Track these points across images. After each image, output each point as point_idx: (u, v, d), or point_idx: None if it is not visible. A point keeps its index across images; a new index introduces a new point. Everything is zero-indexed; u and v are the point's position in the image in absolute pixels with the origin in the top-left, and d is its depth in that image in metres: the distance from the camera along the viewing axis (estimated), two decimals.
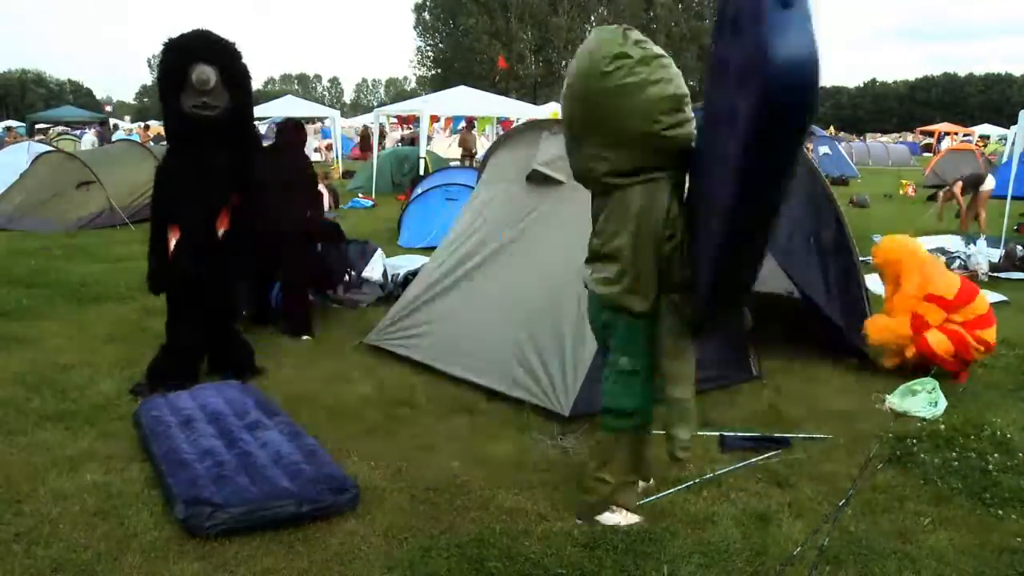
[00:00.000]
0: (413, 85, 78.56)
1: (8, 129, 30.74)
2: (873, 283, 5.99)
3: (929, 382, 4.81)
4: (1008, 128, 24.89)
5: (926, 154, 35.80)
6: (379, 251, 7.66)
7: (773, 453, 4.04)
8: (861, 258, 5.77)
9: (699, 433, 4.26)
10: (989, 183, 12.07)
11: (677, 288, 3.07)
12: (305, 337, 6.03)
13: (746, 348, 5.06)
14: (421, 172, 14.81)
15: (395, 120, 29.82)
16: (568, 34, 59.08)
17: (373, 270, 7.39)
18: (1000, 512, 3.49)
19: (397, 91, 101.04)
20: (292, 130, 6.50)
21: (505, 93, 36.47)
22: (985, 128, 44.14)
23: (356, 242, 7.55)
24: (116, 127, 33.42)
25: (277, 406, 4.28)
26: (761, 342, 5.24)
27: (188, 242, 4.73)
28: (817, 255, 5.41)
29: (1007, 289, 8.15)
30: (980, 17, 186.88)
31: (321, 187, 14.09)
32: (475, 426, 4.37)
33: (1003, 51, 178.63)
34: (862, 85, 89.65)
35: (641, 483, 3.55)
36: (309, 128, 24.38)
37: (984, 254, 9.05)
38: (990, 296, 7.77)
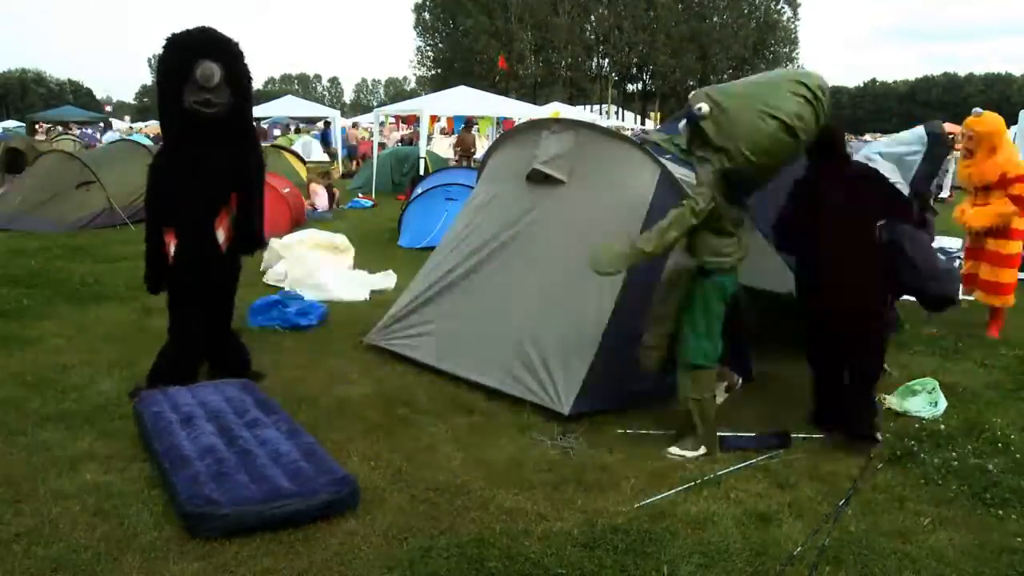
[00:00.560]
0: (413, 85, 78.62)
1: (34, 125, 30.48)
2: None
3: (929, 382, 4.81)
4: (1008, 128, 24.89)
5: None
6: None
7: (773, 453, 4.04)
8: None
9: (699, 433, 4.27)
10: None
11: None
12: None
13: (746, 349, 5.05)
14: (421, 172, 14.81)
15: (393, 120, 29.84)
16: (568, 34, 59.07)
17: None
18: (1000, 512, 3.50)
19: (397, 91, 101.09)
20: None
21: (505, 93, 36.48)
22: None
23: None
24: (109, 125, 33.32)
25: (276, 404, 4.27)
26: (761, 342, 5.24)
27: (187, 244, 4.67)
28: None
29: None
30: (979, 17, 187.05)
31: (320, 187, 14.19)
32: (475, 426, 4.37)
33: (1002, 51, 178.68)
34: (862, 85, 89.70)
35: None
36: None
37: None
38: None
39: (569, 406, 4.32)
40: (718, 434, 4.14)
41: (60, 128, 28.12)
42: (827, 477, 3.82)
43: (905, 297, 7.61)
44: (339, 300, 7.23)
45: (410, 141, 23.73)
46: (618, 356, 4.47)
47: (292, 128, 32.34)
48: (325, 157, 23.74)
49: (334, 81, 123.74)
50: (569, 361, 4.47)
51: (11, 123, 39.32)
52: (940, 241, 10.44)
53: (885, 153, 5.59)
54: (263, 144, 19.94)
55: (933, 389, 4.75)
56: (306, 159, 20.58)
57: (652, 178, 4.86)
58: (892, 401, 4.74)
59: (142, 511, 3.36)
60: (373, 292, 7.69)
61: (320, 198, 13.85)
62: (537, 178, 5.12)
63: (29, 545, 3.09)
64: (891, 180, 4.75)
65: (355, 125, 32.52)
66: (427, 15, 64.27)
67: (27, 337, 5.92)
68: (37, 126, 27.56)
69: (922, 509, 3.51)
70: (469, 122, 19.79)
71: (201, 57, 4.50)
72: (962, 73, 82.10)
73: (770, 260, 5.38)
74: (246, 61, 4.78)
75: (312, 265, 7.90)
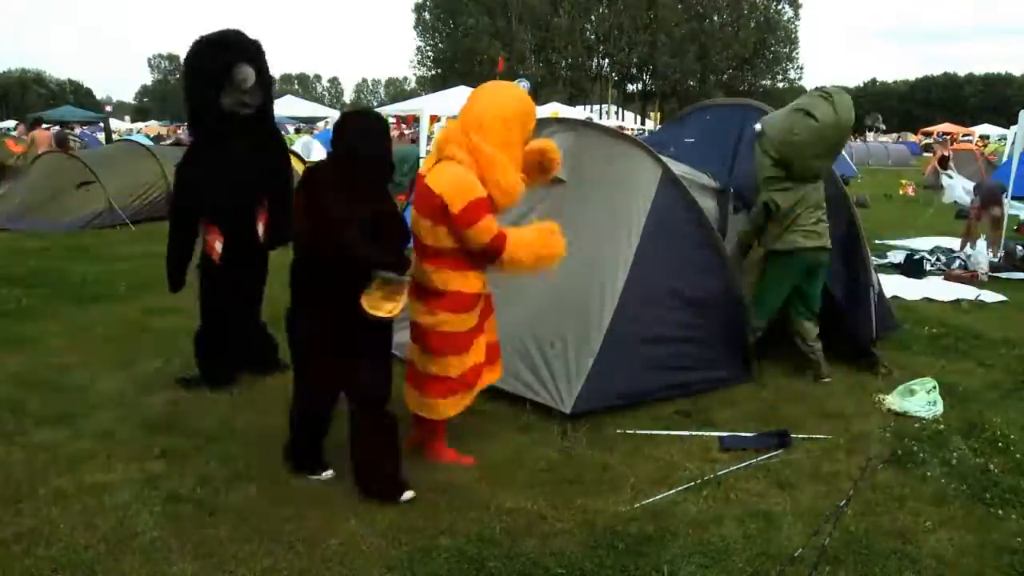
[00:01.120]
0: (413, 85, 78.58)
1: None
2: (884, 283, 6.01)
3: (928, 382, 4.81)
4: (1008, 128, 24.89)
5: (926, 154, 35.75)
6: None
7: (774, 453, 4.04)
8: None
9: (699, 433, 4.27)
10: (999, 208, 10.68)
11: None
12: None
13: (746, 349, 5.06)
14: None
15: (393, 120, 29.78)
16: (568, 34, 59.08)
17: None
18: (1000, 512, 3.50)
19: (397, 91, 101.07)
20: None
21: None
22: (985, 128, 44.16)
23: None
24: (107, 126, 33.15)
25: None
26: (761, 342, 5.24)
27: (234, 239, 4.77)
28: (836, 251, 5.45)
29: (1007, 289, 8.16)
30: (979, 17, 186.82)
31: None
32: (475, 426, 4.36)
33: (1001, 52, 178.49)
34: (862, 85, 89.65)
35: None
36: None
37: (984, 255, 9.05)
38: (989, 296, 7.79)
39: (571, 404, 4.31)
40: (717, 434, 4.14)
41: (59, 128, 28.05)
42: (828, 477, 3.82)
43: (908, 297, 7.66)
44: None
45: (411, 141, 23.70)
46: (620, 355, 4.48)
47: (293, 129, 32.30)
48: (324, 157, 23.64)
49: (334, 81, 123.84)
50: (571, 360, 4.46)
51: (10, 123, 39.29)
52: (939, 241, 10.46)
53: None
54: None
55: (932, 389, 4.75)
56: (306, 159, 20.58)
57: (654, 177, 4.87)
58: (891, 401, 4.73)
59: (142, 511, 3.36)
60: None
61: None
62: None
63: (29, 545, 3.09)
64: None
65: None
66: (427, 15, 64.28)
67: (27, 337, 5.92)
68: (16, 126, 27.14)
69: (922, 509, 3.51)
70: None
71: (239, 59, 4.60)
72: (962, 73, 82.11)
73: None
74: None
75: None
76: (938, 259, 9.26)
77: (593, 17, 62.18)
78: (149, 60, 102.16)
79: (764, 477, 3.81)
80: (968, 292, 7.90)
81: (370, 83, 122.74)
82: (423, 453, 3.92)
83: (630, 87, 66.87)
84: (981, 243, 9.50)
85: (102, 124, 32.67)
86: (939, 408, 4.64)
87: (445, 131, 3.79)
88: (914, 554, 3.15)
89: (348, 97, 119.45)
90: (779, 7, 64.83)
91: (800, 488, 3.70)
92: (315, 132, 28.11)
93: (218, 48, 4.66)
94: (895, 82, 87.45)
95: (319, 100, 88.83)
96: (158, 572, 2.96)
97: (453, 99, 18.85)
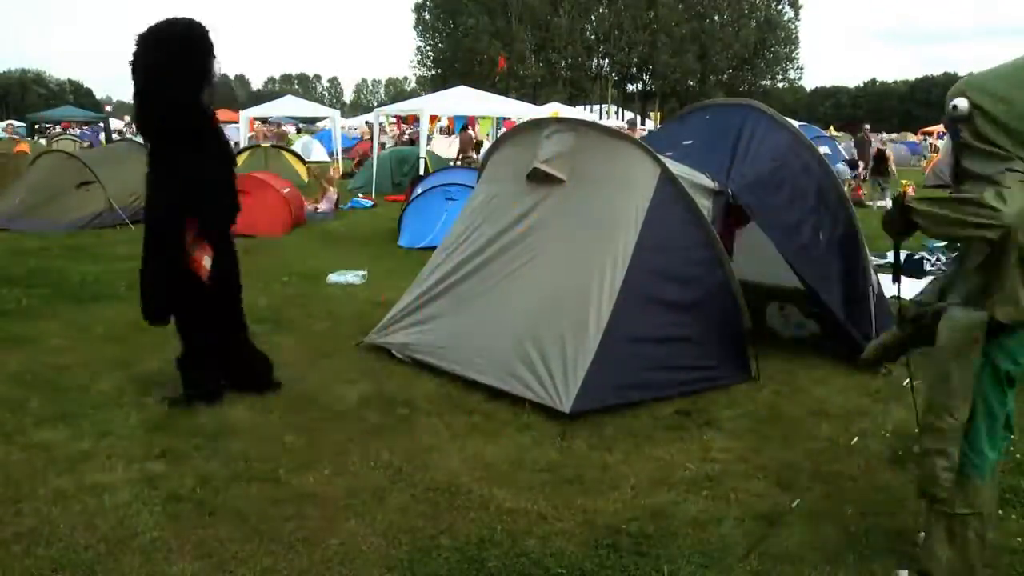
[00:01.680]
0: (413, 85, 78.64)
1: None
2: (884, 283, 6.00)
3: None
4: None
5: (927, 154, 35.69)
6: None
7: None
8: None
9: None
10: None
11: None
12: None
13: (745, 348, 5.06)
14: (421, 172, 14.81)
15: (393, 120, 29.82)
16: (568, 34, 59.08)
17: None
18: (1000, 512, 3.49)
19: (397, 91, 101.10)
20: None
21: (505, 93, 36.48)
22: None
23: None
24: (107, 126, 33.18)
25: None
26: (761, 342, 5.24)
27: (221, 248, 4.48)
28: (829, 253, 5.43)
29: None
30: (979, 18, 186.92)
31: (331, 189, 14.19)
32: (475, 426, 4.37)
33: (1001, 52, 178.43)
34: (862, 85, 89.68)
35: None
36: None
37: None
38: None
39: (570, 404, 4.31)
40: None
41: (59, 128, 28.12)
42: (828, 477, 3.82)
43: (908, 297, 7.65)
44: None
45: (411, 141, 23.73)
46: (619, 354, 4.48)
47: (294, 128, 32.35)
48: (325, 157, 23.72)
49: (334, 81, 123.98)
50: (570, 359, 4.47)
51: (13, 123, 39.29)
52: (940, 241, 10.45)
53: None
54: (266, 144, 19.90)
55: None
56: (306, 159, 20.60)
57: (652, 176, 4.87)
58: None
59: (142, 511, 3.36)
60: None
61: (329, 200, 13.86)
62: (538, 177, 5.12)
63: (29, 545, 3.09)
64: None
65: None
66: (427, 15, 64.31)
67: (27, 337, 5.92)
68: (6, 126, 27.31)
69: (922, 509, 3.50)
70: (471, 122, 19.81)
71: (212, 52, 4.37)
72: (962, 73, 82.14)
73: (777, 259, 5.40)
74: None
75: None
76: (938, 259, 9.26)
77: (593, 17, 62.21)
78: None
79: (764, 477, 3.81)
80: None
81: (370, 83, 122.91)
82: None
83: (630, 87, 66.89)
84: None
85: (101, 124, 32.71)
86: None
87: None
88: (914, 554, 3.14)
89: (348, 97, 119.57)
90: (779, 7, 64.87)
91: (800, 488, 3.69)
92: (317, 133, 28.10)
93: (200, 41, 4.35)
94: (895, 82, 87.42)
95: (319, 100, 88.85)
96: (158, 572, 2.96)
97: (453, 99, 18.90)
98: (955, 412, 2.69)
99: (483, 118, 20.38)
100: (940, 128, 44.61)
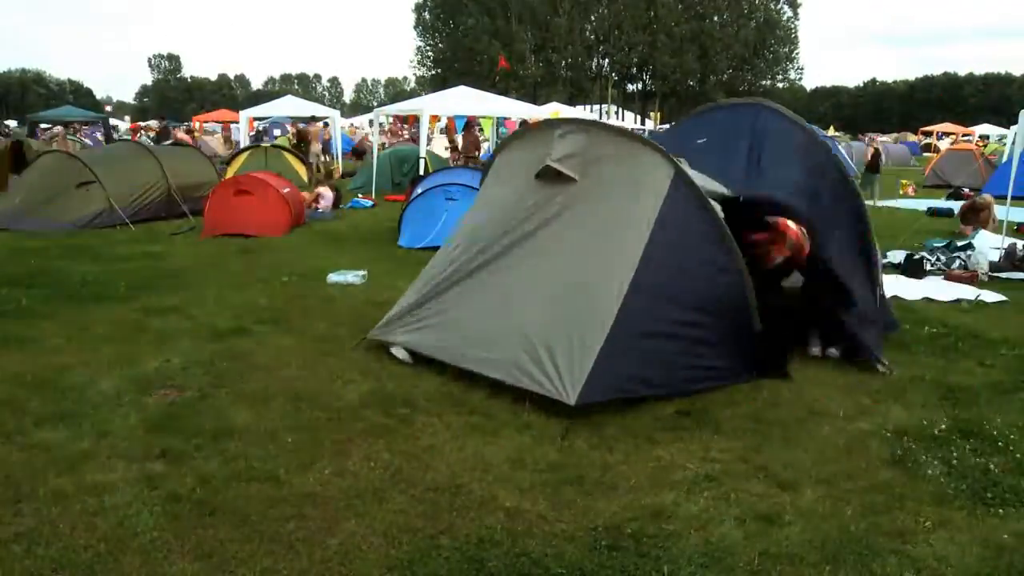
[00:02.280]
0: (413, 85, 78.63)
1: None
2: (884, 283, 6.03)
3: None
4: (1008, 128, 24.90)
5: (926, 154, 35.76)
6: None
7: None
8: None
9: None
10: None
11: None
12: None
13: (754, 350, 5.03)
14: (421, 172, 14.81)
15: (393, 121, 29.81)
16: (568, 34, 59.07)
17: None
18: (1000, 512, 3.50)
19: (397, 91, 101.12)
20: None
21: (505, 93, 36.49)
22: (985, 128, 44.18)
23: None
24: (107, 126, 33.10)
25: None
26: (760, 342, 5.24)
27: None
28: (847, 253, 5.46)
29: (1007, 289, 8.15)
30: (978, 19, 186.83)
31: (327, 189, 14.20)
32: (475, 426, 4.37)
33: (1001, 53, 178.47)
34: (862, 85, 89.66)
35: None
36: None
37: (984, 254, 9.05)
38: (989, 296, 7.79)
39: (576, 397, 4.29)
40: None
41: (57, 128, 28.09)
42: (828, 477, 3.82)
43: (908, 297, 7.65)
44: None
45: (412, 140, 23.72)
46: (625, 349, 4.48)
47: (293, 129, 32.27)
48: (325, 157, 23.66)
49: (334, 81, 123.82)
50: (577, 352, 4.46)
51: (11, 123, 39.30)
52: (940, 242, 10.44)
53: None
54: (264, 143, 19.81)
55: None
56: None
57: (666, 178, 4.87)
58: None
59: (142, 511, 3.36)
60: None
61: (327, 200, 13.86)
62: (548, 175, 5.12)
63: (29, 545, 3.09)
64: None
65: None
66: (427, 15, 64.34)
67: (27, 337, 5.92)
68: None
69: (922, 509, 3.51)
70: (471, 122, 19.82)
71: None
72: (962, 73, 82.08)
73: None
74: None
75: None
76: (938, 259, 9.25)
77: (593, 17, 62.21)
78: (149, 60, 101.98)
79: (764, 477, 3.81)
80: (968, 292, 7.90)
81: (370, 83, 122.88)
82: None
83: (630, 87, 66.90)
84: (981, 243, 9.49)
85: (101, 124, 32.69)
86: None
87: None
88: (914, 554, 3.15)
89: (348, 97, 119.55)
90: (779, 7, 64.88)
91: (800, 488, 3.69)
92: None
93: None
94: (895, 82, 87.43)
95: (319, 100, 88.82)
96: (158, 572, 2.96)
97: (453, 99, 18.89)
98: None
99: (483, 118, 20.37)
100: (940, 128, 44.64)
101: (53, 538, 3.15)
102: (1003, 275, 8.80)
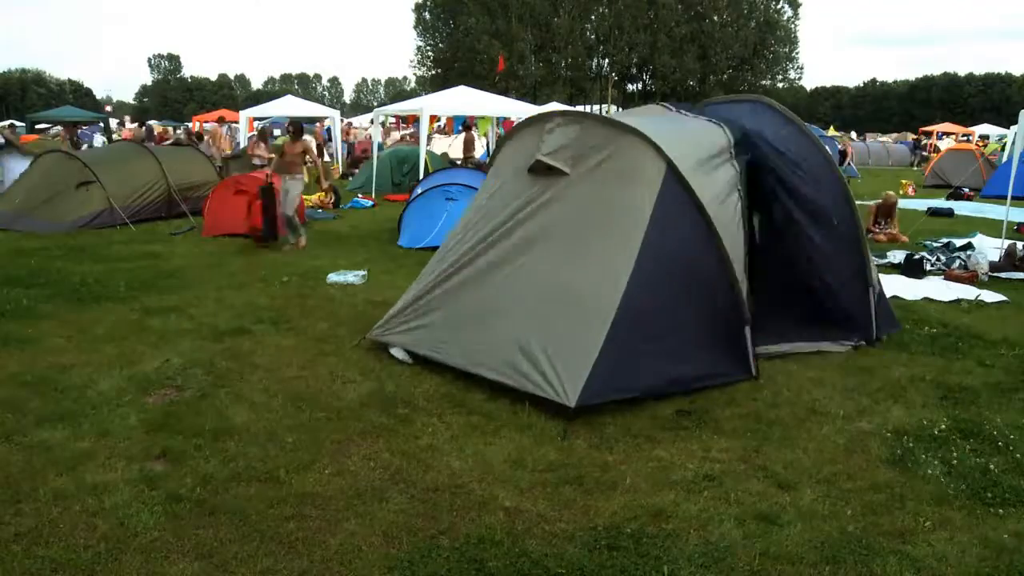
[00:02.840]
0: (413, 85, 78.65)
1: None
2: (884, 283, 6.03)
3: None
4: (1008, 128, 24.91)
5: (918, 151, 35.59)
6: None
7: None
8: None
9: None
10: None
11: None
12: None
13: (746, 346, 5.05)
14: (421, 172, 14.80)
15: (393, 121, 29.80)
16: (568, 34, 59.07)
17: None
18: (1000, 512, 3.50)
19: (397, 91, 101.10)
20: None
21: (505, 93, 36.47)
22: (985, 128, 44.18)
23: None
24: (107, 127, 33.04)
25: None
26: (760, 341, 5.24)
27: None
28: (837, 249, 5.47)
29: (1007, 289, 8.15)
30: (979, 19, 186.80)
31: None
32: (474, 426, 4.37)
33: (1001, 53, 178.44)
34: (862, 85, 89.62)
35: None
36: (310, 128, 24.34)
37: (984, 255, 9.05)
38: (989, 296, 7.79)
39: (575, 399, 4.29)
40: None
41: (56, 128, 28.09)
42: (828, 477, 3.82)
43: (908, 297, 7.65)
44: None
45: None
46: (623, 350, 4.47)
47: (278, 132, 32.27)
48: (325, 157, 23.66)
49: (334, 81, 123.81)
50: (575, 354, 4.45)
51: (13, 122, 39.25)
52: (941, 241, 10.44)
53: None
54: (264, 144, 19.87)
55: None
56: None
57: (659, 172, 4.85)
58: None
59: (142, 511, 3.36)
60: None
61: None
62: (540, 170, 5.10)
63: (29, 545, 3.09)
64: None
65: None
66: (427, 15, 64.29)
67: (27, 337, 5.92)
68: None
69: (922, 509, 3.51)
70: (471, 122, 19.80)
71: None
72: (962, 73, 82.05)
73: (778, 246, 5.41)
74: None
75: None
76: (938, 259, 9.26)
77: (593, 17, 62.16)
78: (149, 60, 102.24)
79: (764, 477, 3.81)
80: (968, 292, 7.90)
81: (370, 83, 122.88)
82: None
83: (630, 87, 66.85)
84: (981, 243, 9.49)
85: (101, 124, 32.69)
86: None
87: None
88: (914, 554, 3.15)
89: (348, 97, 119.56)
90: (779, 7, 64.85)
91: (800, 488, 3.70)
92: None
93: None
94: (895, 82, 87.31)
95: (319, 100, 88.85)
96: (158, 572, 2.96)
97: (453, 99, 18.87)
98: None
99: (482, 118, 20.35)
100: (940, 128, 44.63)
101: (53, 538, 3.15)
102: (1003, 275, 8.80)
